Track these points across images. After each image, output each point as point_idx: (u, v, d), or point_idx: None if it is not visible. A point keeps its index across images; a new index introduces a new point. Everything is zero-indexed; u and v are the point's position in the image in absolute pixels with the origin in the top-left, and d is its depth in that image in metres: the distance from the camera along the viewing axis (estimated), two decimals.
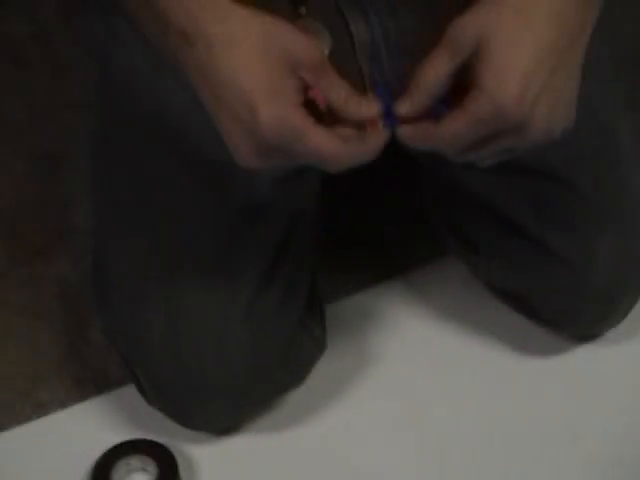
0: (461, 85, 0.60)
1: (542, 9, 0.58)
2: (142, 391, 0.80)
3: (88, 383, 0.88)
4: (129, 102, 0.78)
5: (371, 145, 0.59)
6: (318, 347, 0.84)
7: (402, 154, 0.80)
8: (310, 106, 0.59)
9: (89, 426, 0.85)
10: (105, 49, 0.80)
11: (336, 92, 0.59)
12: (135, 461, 0.79)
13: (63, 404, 0.87)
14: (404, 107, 0.60)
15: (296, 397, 0.84)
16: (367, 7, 0.76)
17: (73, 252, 0.99)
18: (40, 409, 0.87)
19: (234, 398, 0.78)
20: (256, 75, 0.55)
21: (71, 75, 1.15)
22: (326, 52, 0.75)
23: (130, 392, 0.83)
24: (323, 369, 0.85)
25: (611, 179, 0.81)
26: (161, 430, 0.82)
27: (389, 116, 0.61)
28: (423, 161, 0.84)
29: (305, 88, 0.58)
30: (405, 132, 0.60)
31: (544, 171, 0.78)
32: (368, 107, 0.59)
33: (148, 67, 0.75)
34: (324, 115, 0.60)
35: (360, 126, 0.60)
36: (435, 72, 0.59)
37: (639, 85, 1.12)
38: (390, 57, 0.76)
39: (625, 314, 0.86)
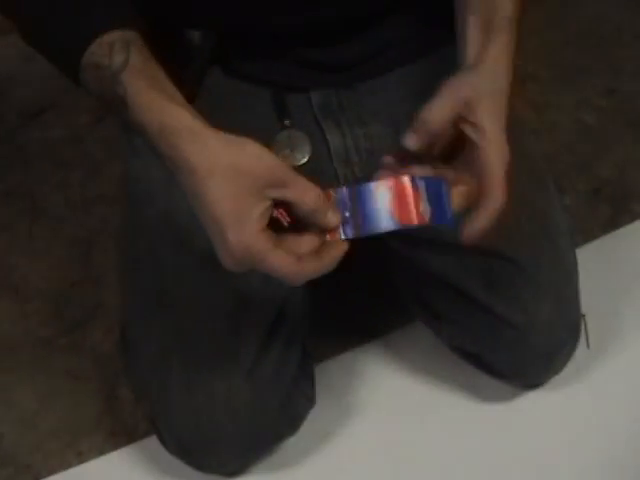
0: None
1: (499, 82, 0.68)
2: (163, 441, 0.86)
3: (120, 435, 0.95)
4: (146, 205, 0.85)
5: (328, 259, 0.63)
6: (309, 402, 0.89)
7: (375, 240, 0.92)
8: (276, 222, 0.62)
9: (122, 471, 0.91)
10: (128, 160, 0.88)
11: (304, 203, 0.61)
12: None
13: (100, 452, 0.94)
14: (412, 140, 0.65)
15: (291, 444, 0.89)
16: (340, 118, 0.85)
17: (105, 325, 1.05)
18: (81, 457, 0.94)
19: (240, 446, 0.84)
20: (226, 206, 0.60)
21: (101, 173, 1.21)
22: (306, 158, 0.84)
23: (155, 443, 0.87)
24: (313, 420, 0.89)
25: (548, 256, 0.87)
26: (180, 474, 0.87)
27: (347, 224, 0.64)
28: (393, 244, 0.89)
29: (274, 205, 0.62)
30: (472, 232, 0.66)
31: (491, 251, 0.84)
32: (334, 216, 0.63)
33: (159, 176, 0.82)
34: (288, 229, 0.63)
35: (321, 234, 0.63)
36: (440, 115, 0.66)
37: (565, 172, 1.21)
38: (360, 160, 0.85)
39: (562, 367, 0.92)
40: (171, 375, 0.81)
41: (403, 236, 0.88)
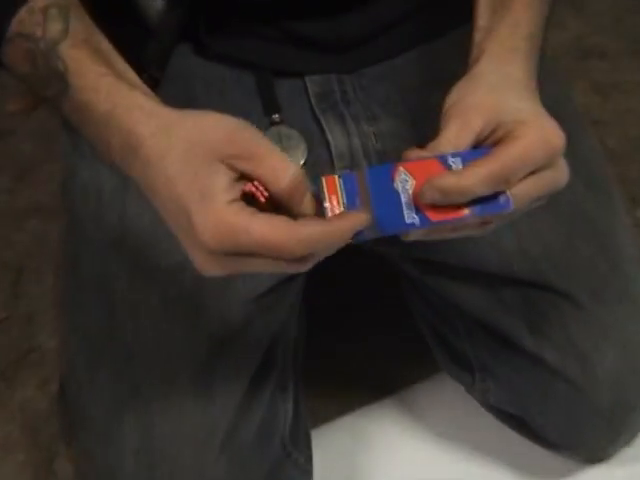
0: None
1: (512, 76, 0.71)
2: None
3: None
4: (94, 221, 0.86)
5: (337, 227, 0.61)
6: (304, 475, 0.91)
7: (390, 265, 0.92)
8: (251, 199, 0.62)
9: None
10: (70, 163, 0.89)
11: (277, 182, 0.61)
12: None
13: None
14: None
15: None
16: (343, 111, 0.87)
17: (39, 375, 1.05)
18: None
19: None
20: (186, 182, 0.61)
21: (35, 177, 1.22)
22: (301, 161, 0.85)
23: None
24: None
25: (611, 288, 0.88)
26: None
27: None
28: (410, 271, 0.92)
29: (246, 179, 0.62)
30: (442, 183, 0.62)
31: (537, 282, 0.86)
32: (309, 205, 0.62)
33: (113, 185, 0.84)
34: (266, 208, 0.62)
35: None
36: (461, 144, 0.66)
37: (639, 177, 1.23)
38: (369, 164, 0.86)
39: (633, 435, 0.92)
40: (124, 443, 0.81)
41: (420, 260, 0.90)
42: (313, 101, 0.87)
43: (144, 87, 0.67)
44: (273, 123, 0.86)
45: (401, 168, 0.64)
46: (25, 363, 1.07)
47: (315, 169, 0.86)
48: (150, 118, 0.64)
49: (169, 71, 0.84)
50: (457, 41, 0.81)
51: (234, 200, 0.60)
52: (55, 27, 0.67)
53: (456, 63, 0.74)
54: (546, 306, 0.87)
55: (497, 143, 0.67)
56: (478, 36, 0.74)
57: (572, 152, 0.86)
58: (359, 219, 0.62)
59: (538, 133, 0.65)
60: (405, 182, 0.63)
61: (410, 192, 0.63)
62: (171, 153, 0.62)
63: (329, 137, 0.86)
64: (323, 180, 0.64)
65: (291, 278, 0.88)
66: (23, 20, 0.67)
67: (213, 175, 0.61)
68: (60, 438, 0.92)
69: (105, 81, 0.66)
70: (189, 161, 0.61)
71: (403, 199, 0.63)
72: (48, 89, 0.67)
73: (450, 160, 0.64)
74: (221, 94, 0.87)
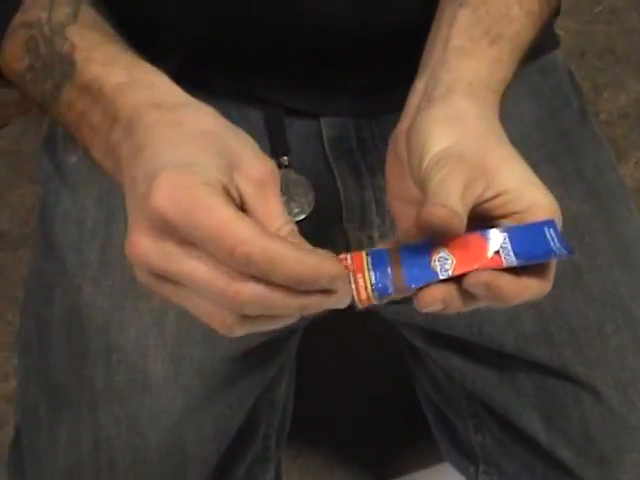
0: None
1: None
2: None
3: None
4: (74, 251, 0.88)
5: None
6: None
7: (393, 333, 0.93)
8: None
9: None
10: (51, 189, 0.92)
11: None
12: None
13: None
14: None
15: None
16: (359, 161, 0.89)
17: None
18: None
19: None
20: (179, 150, 0.59)
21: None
22: (306, 212, 0.86)
23: None
24: None
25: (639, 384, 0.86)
26: None
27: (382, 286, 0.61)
28: (415, 341, 0.94)
29: None
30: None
31: (556, 368, 0.87)
32: (333, 266, 0.56)
33: (95, 215, 0.87)
34: None
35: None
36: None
37: None
38: (383, 223, 0.89)
39: None
40: None
41: (427, 330, 0.92)
42: (326, 146, 0.89)
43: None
44: (281, 166, 0.87)
45: (440, 246, 0.62)
46: None
47: (320, 221, 0.88)
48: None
49: None
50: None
51: (214, 187, 0.56)
52: (63, 11, 0.68)
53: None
54: (565, 396, 0.87)
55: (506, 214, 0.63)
56: (453, 61, 0.69)
57: (611, 229, 0.89)
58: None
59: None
60: (445, 261, 0.63)
61: (450, 273, 0.62)
62: (186, 127, 0.60)
63: (340, 187, 0.88)
64: (349, 257, 0.62)
65: (288, 333, 0.90)
66: (27, 8, 0.69)
67: (209, 163, 0.57)
68: None
69: (122, 57, 0.65)
70: (198, 140, 0.59)
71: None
72: (48, 79, 0.67)
73: (490, 232, 0.63)
74: None
